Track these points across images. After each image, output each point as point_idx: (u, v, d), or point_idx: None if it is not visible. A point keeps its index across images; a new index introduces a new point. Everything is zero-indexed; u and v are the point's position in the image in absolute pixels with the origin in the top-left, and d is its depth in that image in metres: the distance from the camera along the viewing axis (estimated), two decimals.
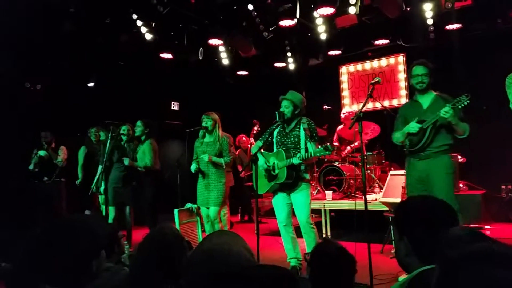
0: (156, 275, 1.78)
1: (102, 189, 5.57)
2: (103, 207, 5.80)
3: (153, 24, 6.35)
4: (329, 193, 6.33)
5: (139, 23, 6.48)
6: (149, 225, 5.71)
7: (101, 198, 5.92)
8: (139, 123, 5.96)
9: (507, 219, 6.83)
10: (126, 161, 5.59)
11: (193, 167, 5.05)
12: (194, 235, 5.14)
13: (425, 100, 3.86)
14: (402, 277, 3.02)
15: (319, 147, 4.02)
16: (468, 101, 3.51)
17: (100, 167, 5.82)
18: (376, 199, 5.78)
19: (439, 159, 3.70)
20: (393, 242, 4.70)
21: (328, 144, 3.94)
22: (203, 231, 5.27)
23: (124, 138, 5.80)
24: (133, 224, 5.82)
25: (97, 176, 5.87)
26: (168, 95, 9.23)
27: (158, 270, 1.79)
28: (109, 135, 5.41)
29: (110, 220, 5.61)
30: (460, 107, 3.56)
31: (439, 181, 3.68)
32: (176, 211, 5.02)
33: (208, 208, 5.01)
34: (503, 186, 7.07)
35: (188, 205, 5.22)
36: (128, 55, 7.56)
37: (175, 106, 9.28)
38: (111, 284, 1.95)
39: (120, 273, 2.07)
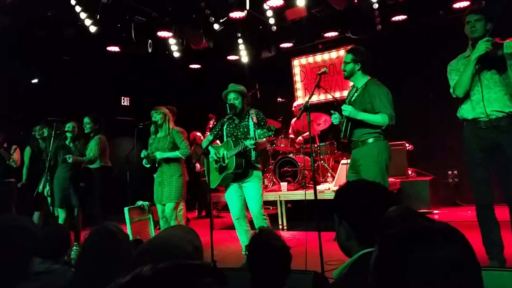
0: (105, 270, 1.71)
1: (46, 190, 5.29)
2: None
3: (98, 16, 6.10)
4: (284, 185, 6.37)
5: (83, 15, 6.22)
6: None
7: (50, 199, 5.62)
8: (87, 119, 5.67)
9: (454, 203, 7.17)
10: (70, 159, 5.26)
11: (143, 156, 4.83)
12: (147, 233, 4.99)
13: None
14: None
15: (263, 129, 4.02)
16: None
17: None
18: (329, 189, 5.87)
19: None
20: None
21: (271, 125, 3.94)
22: (158, 228, 5.14)
23: (68, 135, 5.53)
24: (82, 226, 5.59)
25: (43, 177, 5.58)
26: (117, 90, 8.91)
27: (107, 266, 1.73)
28: (53, 132, 5.13)
29: (61, 222, 5.36)
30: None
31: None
32: (126, 209, 4.84)
33: (164, 205, 4.79)
34: (450, 172, 7.40)
35: (139, 202, 5.05)
36: (73, 49, 7.23)
37: (125, 102, 8.98)
38: (55, 285, 1.88)
39: (65, 275, 1.99)
